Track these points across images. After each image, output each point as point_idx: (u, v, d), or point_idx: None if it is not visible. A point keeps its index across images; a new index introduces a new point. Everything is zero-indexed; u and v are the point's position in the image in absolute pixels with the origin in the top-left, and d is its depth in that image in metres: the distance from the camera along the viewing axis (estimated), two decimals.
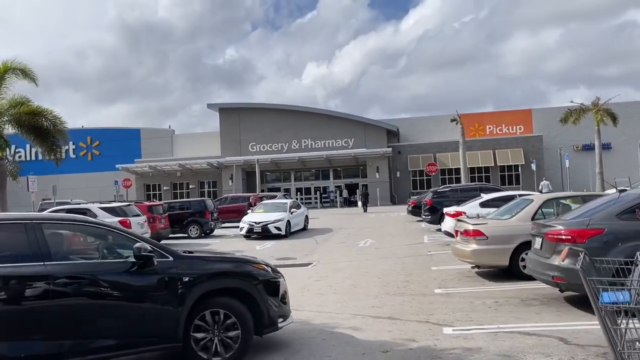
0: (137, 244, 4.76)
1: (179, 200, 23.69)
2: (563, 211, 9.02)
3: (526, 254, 8.42)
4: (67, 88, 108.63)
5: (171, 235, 19.76)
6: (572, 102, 30.38)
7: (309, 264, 12.98)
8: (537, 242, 6.70)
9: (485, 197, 13.93)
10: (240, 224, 19.06)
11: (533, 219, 8.60)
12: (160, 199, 41.24)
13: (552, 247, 6.20)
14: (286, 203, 20.16)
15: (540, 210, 8.77)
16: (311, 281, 10.33)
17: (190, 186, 45.84)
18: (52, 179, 51.03)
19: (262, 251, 15.93)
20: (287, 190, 45.93)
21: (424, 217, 18.82)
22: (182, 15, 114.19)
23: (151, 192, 47.34)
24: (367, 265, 12.05)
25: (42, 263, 4.43)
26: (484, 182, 30.53)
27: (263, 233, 18.20)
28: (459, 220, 9.55)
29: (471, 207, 13.70)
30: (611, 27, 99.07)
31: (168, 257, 4.93)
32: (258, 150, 44.69)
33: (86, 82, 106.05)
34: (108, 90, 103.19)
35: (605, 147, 40.02)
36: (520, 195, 13.24)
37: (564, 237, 6.03)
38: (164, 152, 49.72)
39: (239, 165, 43.54)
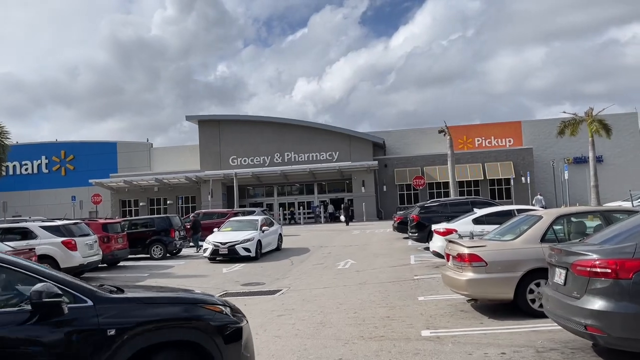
0: (38, 286, 3.41)
1: (141, 217, 21.65)
2: (577, 230, 7.34)
3: (536, 284, 6.71)
4: (59, 104, 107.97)
5: (132, 256, 17.78)
6: (564, 112, 29.15)
7: (277, 291, 11.15)
8: (559, 275, 4.96)
9: (479, 212, 12.23)
10: (204, 245, 16.75)
11: (543, 240, 6.91)
12: (137, 215, 39.08)
13: (583, 283, 4.46)
14: (257, 220, 17.85)
15: (551, 230, 7.07)
16: (273, 316, 8.49)
17: (168, 202, 43.68)
18: (24, 195, 48.81)
19: (229, 274, 14.06)
20: (270, 206, 44.03)
21: (410, 234, 17.08)
22: (175, 33, 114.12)
23: (127, 209, 45.09)
24: (344, 293, 10.23)
25: None
26: (474, 196, 28.89)
27: (229, 255, 15.99)
28: (450, 242, 7.80)
29: (463, 224, 12.00)
30: (594, 45, 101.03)
31: (86, 301, 3.63)
32: (239, 164, 42.82)
33: (78, 99, 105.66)
34: (99, 106, 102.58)
35: (598, 160, 38.84)
36: (519, 211, 11.60)
37: (600, 270, 4.30)
38: (142, 166, 47.59)
39: (219, 180, 41.57)
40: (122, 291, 4.06)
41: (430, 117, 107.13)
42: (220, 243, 16.25)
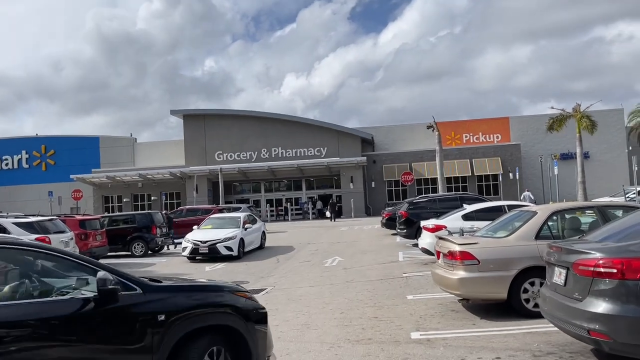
0: (100, 274, 3.51)
1: (122, 213, 21.05)
2: (572, 227, 7.04)
3: (530, 283, 6.40)
4: (43, 99, 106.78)
5: (112, 254, 17.21)
6: (552, 107, 29.03)
7: (262, 290, 10.72)
8: (558, 275, 4.62)
9: (469, 208, 11.91)
10: (183, 243, 15.62)
11: (538, 237, 6.59)
12: (120, 212, 38.28)
13: (585, 284, 4.12)
14: (239, 217, 16.87)
15: (546, 226, 6.75)
16: None
17: (152, 198, 42.91)
18: (4, 191, 47.55)
19: (212, 273, 13.60)
20: (257, 202, 43.51)
21: (398, 230, 16.77)
22: (161, 27, 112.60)
23: (110, 205, 44.21)
24: (330, 292, 9.86)
25: None
26: (463, 192, 28.65)
27: (210, 254, 15.08)
28: (440, 238, 7.45)
29: (452, 220, 11.68)
30: (579, 43, 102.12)
31: (135, 289, 3.76)
32: (225, 159, 42.19)
33: (62, 93, 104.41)
34: (84, 101, 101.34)
35: (584, 156, 39.06)
36: (509, 207, 11.32)
37: (605, 269, 3.96)
38: (126, 161, 46.68)
39: (204, 175, 40.91)
40: (159, 281, 4.17)
41: (418, 113, 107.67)
42: (200, 241, 15.25)
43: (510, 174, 36.81)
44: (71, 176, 42.62)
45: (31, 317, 3.24)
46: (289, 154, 41.97)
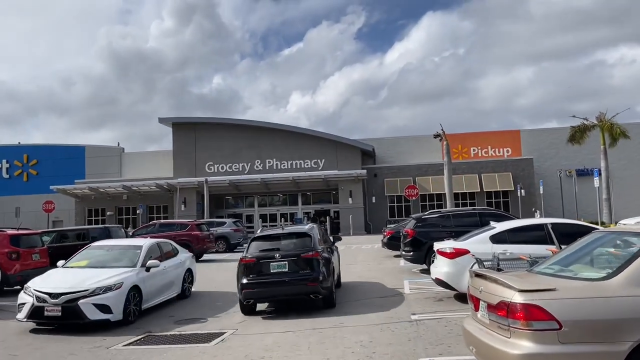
0: None
1: (73, 227, 18.17)
2: None
3: None
4: (52, 113, 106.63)
5: None
6: (574, 116, 26.23)
7: (217, 335, 7.82)
8: None
9: (498, 226, 8.98)
10: (19, 297, 8.71)
11: None
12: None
13: None
14: (140, 247, 9.98)
15: None
16: None
17: (138, 211, 40.02)
18: None
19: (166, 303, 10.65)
20: (250, 217, 40.60)
21: (403, 253, 13.81)
22: (171, 45, 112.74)
23: (93, 218, 41.28)
24: (309, 344, 6.93)
25: None
26: (483, 207, 25.36)
27: (65, 319, 8.27)
28: (481, 276, 4.53)
29: (478, 242, 8.75)
30: (581, 66, 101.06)
31: None
32: (216, 170, 39.40)
33: (72, 108, 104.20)
34: (93, 116, 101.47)
35: (601, 172, 36.24)
36: (553, 226, 8.44)
37: None
38: (112, 172, 43.94)
39: (193, 188, 38.08)
40: None
41: (421, 132, 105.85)
42: (49, 293, 8.34)
43: (523, 191, 33.86)
44: (51, 187, 39.83)
45: None
46: (284, 166, 39.19)
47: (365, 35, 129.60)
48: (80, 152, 45.22)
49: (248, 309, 9.17)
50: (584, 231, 8.56)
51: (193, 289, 11.62)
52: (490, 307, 4.07)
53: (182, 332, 8.18)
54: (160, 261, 9.99)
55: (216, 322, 8.78)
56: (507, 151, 40.51)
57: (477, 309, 4.42)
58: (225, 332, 7.95)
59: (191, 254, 11.73)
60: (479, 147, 40.93)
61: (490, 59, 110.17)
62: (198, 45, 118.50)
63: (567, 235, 8.36)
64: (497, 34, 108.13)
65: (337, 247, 11.70)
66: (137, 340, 7.80)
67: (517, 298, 3.72)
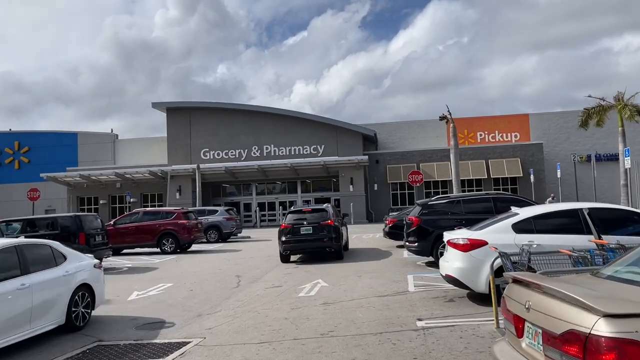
0: None
1: (42, 216, 16.67)
2: None
3: None
4: (59, 104, 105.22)
5: None
6: (590, 96, 24.48)
7: (179, 346, 6.37)
8: None
9: (522, 212, 7.45)
10: None
11: None
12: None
13: None
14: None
15: None
16: None
17: (131, 199, 38.64)
18: None
19: (137, 302, 9.23)
20: (247, 206, 39.19)
21: (407, 244, 12.30)
22: (176, 35, 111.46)
23: (85, 207, 39.97)
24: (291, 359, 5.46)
25: None
26: (497, 191, 23.58)
27: None
28: (520, 282, 3.00)
29: (497, 232, 7.21)
30: (586, 54, 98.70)
31: None
32: (212, 157, 37.93)
33: (79, 99, 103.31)
34: (100, 106, 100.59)
35: (612, 158, 34.58)
36: (590, 210, 6.93)
37: None
38: (105, 159, 42.57)
39: (188, 175, 36.61)
40: None
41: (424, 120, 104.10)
42: None
43: (532, 176, 32.23)
44: (41, 175, 38.49)
45: None
46: (282, 152, 37.67)
47: (369, 24, 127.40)
48: (72, 138, 43.80)
49: (285, 258, 13.73)
50: (633, 218, 7.05)
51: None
52: (549, 337, 2.56)
53: (139, 341, 6.74)
54: (18, 275, 6.38)
55: (184, 328, 7.34)
56: (516, 136, 38.85)
57: (520, 334, 2.91)
58: (188, 343, 6.50)
59: (95, 260, 8.13)
60: (486, 132, 39.26)
61: (495, 47, 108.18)
62: (203, 35, 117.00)
63: (608, 222, 6.86)
64: (502, 22, 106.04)
65: (346, 223, 16.55)
66: (80, 353, 6.36)
67: (603, 328, 2.21)
